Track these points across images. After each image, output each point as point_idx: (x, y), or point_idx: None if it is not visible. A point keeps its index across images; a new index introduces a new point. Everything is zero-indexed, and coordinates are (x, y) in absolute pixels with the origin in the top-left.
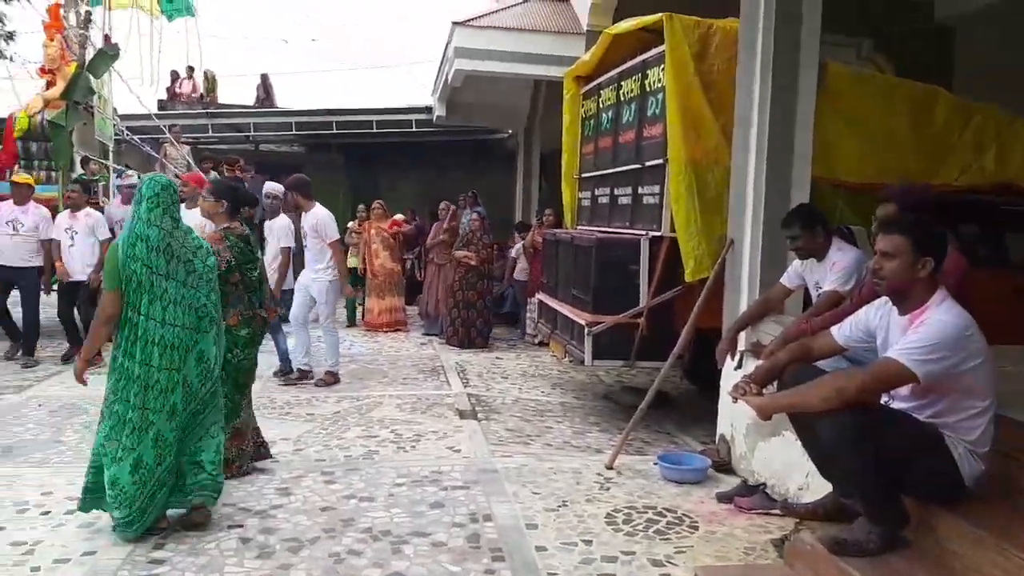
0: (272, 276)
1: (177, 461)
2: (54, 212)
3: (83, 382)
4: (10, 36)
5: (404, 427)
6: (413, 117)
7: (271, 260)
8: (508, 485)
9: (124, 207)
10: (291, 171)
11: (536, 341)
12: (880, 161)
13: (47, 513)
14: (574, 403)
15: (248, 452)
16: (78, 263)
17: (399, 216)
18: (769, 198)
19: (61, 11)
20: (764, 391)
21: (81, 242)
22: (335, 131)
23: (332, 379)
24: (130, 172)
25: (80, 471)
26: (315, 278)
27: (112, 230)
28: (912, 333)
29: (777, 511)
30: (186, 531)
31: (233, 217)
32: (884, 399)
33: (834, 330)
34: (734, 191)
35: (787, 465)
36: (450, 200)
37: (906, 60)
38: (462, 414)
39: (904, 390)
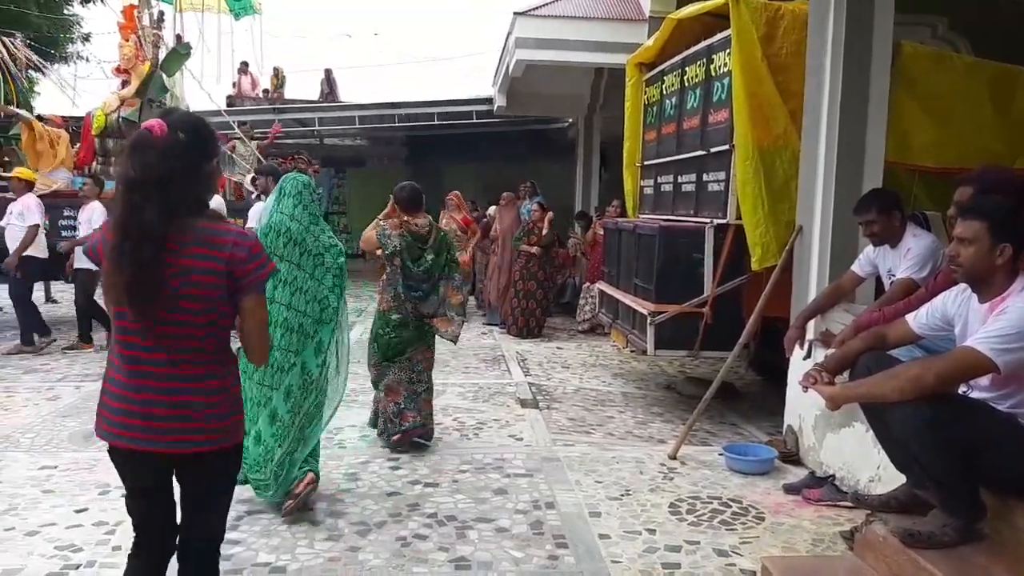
0: None
1: (297, 443)
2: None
3: None
4: (86, 38)
5: (466, 415)
6: (474, 108)
7: None
8: (570, 473)
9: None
10: (355, 164)
11: (582, 329)
12: (957, 145)
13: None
14: (636, 393)
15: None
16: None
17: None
18: (840, 184)
19: (135, 12)
20: (836, 380)
21: (84, 233)
22: (397, 124)
23: None
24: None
25: None
26: None
27: None
28: (992, 321)
29: (847, 503)
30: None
31: None
32: (962, 389)
33: (909, 318)
34: (803, 177)
35: (857, 456)
36: (511, 191)
37: (983, 39)
38: (523, 403)
39: (983, 380)
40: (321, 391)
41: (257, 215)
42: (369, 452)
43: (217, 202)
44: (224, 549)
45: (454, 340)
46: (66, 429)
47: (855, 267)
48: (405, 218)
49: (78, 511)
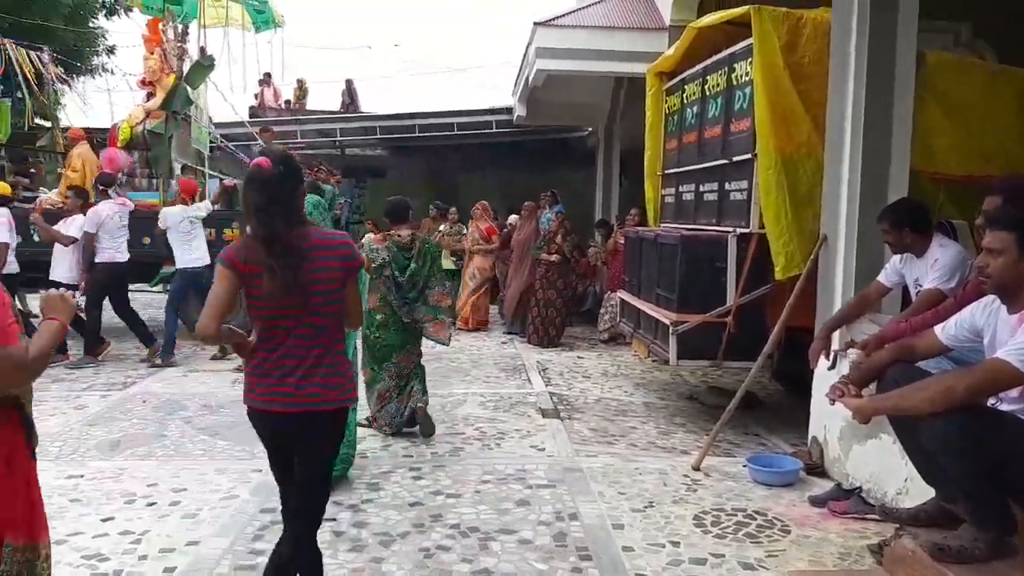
0: None
1: None
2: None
3: None
4: (111, 50)
5: (488, 425)
6: (493, 118)
7: None
8: (593, 484)
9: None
10: (375, 174)
11: (603, 338)
12: (983, 153)
13: (153, 504)
14: (658, 403)
15: (391, 413)
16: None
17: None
18: (865, 192)
19: (160, 25)
20: (863, 393)
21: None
22: (417, 134)
23: None
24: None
25: (182, 465)
26: None
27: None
28: (1022, 332)
29: (874, 516)
30: None
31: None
32: (991, 401)
33: (937, 329)
34: (827, 186)
35: (885, 469)
36: (531, 200)
37: (1008, 45)
38: (545, 413)
39: (1014, 392)
40: None
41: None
42: (391, 462)
43: (206, 207)
44: (249, 559)
45: (446, 343)
46: (93, 438)
47: (881, 277)
48: (391, 231)
49: (104, 520)
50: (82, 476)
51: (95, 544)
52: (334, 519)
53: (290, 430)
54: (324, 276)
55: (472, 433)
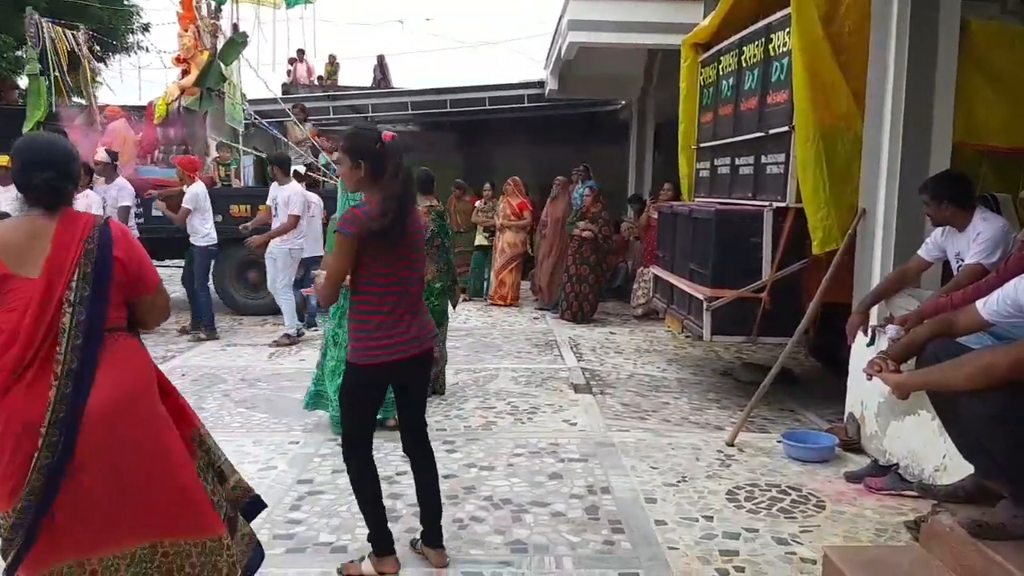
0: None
1: None
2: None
3: None
4: (145, 28)
5: (520, 400)
6: (525, 92)
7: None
8: (625, 459)
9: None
10: (407, 150)
11: (637, 314)
12: None
13: None
14: (691, 379)
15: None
16: None
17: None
18: (905, 165)
19: (194, 2)
20: (902, 368)
21: None
22: (448, 109)
23: (287, 341)
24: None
25: (221, 437)
26: (278, 246)
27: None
28: None
29: (911, 492)
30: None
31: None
32: None
33: (979, 304)
34: (867, 159)
35: (922, 445)
36: (563, 174)
37: None
38: (577, 388)
39: None
40: None
41: (277, 198)
42: None
43: (198, 190)
44: (286, 528)
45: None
46: None
47: (921, 251)
48: (428, 203)
49: None
50: None
51: None
52: None
53: (411, 371)
54: (420, 236)
55: (504, 407)
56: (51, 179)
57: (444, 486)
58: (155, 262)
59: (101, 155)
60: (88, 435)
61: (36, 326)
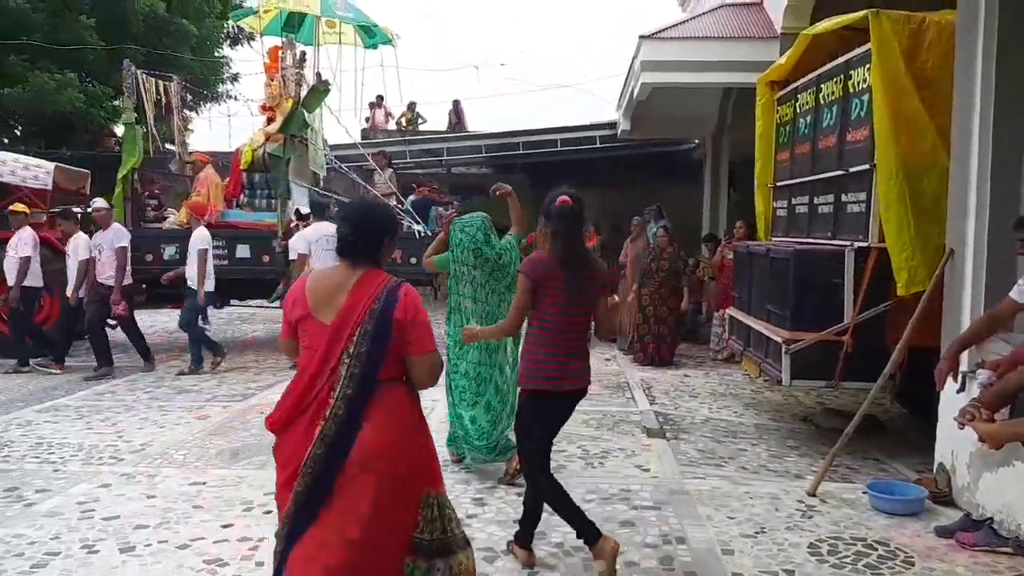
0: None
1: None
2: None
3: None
4: (235, 78)
5: (591, 443)
6: (597, 133)
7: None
8: (701, 508)
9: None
10: (479, 191)
11: (719, 357)
12: None
13: (269, 512)
14: (769, 425)
15: None
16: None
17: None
18: (994, 202)
19: (280, 52)
20: (995, 417)
21: (71, 264)
22: (521, 151)
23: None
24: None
25: None
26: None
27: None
28: None
29: (1007, 549)
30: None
31: None
32: None
33: None
34: (953, 196)
35: (1019, 498)
36: (635, 214)
37: None
38: (649, 432)
39: None
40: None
41: (300, 243)
42: (495, 477)
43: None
44: None
45: None
46: (215, 447)
47: (1014, 293)
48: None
49: (224, 526)
50: (204, 483)
51: (215, 549)
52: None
53: (570, 403)
54: (591, 285)
55: (575, 451)
56: (347, 235)
57: (514, 531)
58: (236, 302)
59: (98, 203)
60: (347, 478)
61: (321, 368)
